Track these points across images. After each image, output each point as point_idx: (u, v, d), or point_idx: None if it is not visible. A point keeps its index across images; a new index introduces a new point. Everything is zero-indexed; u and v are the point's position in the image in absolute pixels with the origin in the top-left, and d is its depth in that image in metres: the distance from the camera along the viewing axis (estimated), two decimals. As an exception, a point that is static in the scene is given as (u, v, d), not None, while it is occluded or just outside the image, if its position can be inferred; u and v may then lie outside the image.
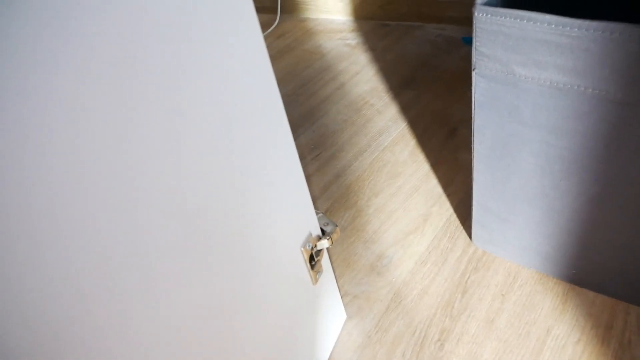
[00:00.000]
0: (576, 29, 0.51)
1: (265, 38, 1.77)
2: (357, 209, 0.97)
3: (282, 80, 1.48)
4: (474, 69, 0.63)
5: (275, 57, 1.63)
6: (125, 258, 0.34)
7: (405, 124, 1.16)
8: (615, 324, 0.69)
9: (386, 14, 1.69)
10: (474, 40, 0.61)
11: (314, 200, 1.01)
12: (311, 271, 0.63)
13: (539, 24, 0.54)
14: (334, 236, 0.65)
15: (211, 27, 0.39)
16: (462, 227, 0.87)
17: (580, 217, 0.66)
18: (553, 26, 0.53)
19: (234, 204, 0.46)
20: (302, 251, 0.60)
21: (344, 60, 1.52)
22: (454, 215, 0.89)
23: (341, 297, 0.80)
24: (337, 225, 0.85)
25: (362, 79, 1.40)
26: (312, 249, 0.62)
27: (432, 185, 0.97)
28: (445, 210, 0.91)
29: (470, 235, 0.84)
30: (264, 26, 1.87)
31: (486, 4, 0.59)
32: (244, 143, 0.47)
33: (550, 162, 0.63)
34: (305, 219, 0.60)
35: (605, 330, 0.69)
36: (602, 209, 0.63)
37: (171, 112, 0.36)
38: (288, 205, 0.56)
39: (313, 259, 0.63)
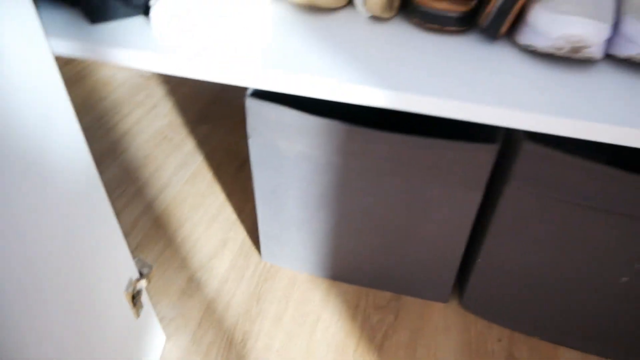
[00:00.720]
0: (310, 121, 0.77)
1: (51, 65, 1.72)
2: (166, 240, 1.11)
3: (77, 113, 1.50)
4: (249, 137, 0.85)
5: (66, 85, 1.62)
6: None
7: (202, 157, 1.34)
8: (360, 303, 1.01)
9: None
10: (248, 117, 0.83)
11: (126, 236, 1.12)
12: (133, 309, 0.77)
13: (289, 115, 0.78)
14: (151, 276, 0.80)
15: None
16: (254, 247, 1.10)
17: (330, 236, 0.95)
18: (297, 117, 0.78)
19: (50, 264, 0.52)
20: (124, 295, 0.74)
21: (139, 92, 1.61)
22: (247, 238, 1.12)
23: (160, 321, 0.95)
24: (152, 266, 0.99)
25: (159, 112, 1.52)
26: (134, 290, 0.76)
27: (228, 214, 1.18)
28: (239, 234, 1.13)
29: (260, 253, 1.08)
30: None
31: (254, 93, 0.81)
32: (44, 198, 0.44)
33: (306, 201, 0.90)
34: (124, 268, 0.74)
35: (354, 310, 1.00)
36: (341, 230, 0.93)
37: None
38: (107, 260, 0.69)
39: (134, 298, 0.77)
